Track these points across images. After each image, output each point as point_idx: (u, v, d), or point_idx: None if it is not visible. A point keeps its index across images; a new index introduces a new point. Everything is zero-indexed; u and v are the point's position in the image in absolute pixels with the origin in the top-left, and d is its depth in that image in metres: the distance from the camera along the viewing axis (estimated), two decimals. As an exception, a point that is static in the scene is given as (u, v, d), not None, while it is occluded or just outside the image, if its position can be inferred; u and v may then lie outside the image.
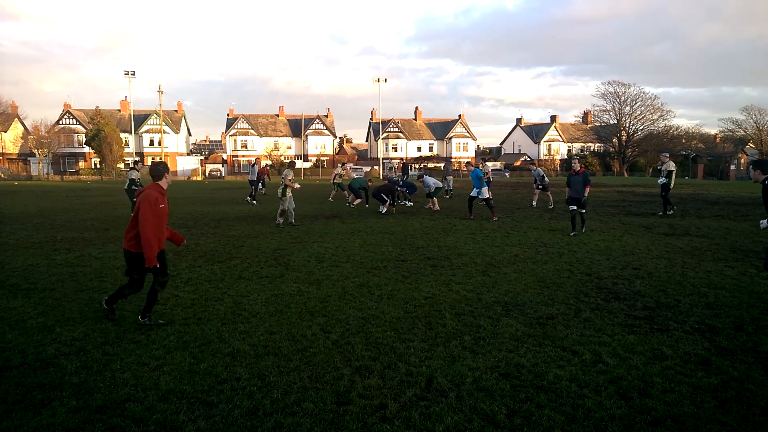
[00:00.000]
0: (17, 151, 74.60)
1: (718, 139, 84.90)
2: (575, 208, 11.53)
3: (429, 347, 4.73)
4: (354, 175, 21.27)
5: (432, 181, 18.03)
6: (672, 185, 15.36)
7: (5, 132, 73.04)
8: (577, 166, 11.82)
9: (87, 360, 4.46)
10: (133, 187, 15.66)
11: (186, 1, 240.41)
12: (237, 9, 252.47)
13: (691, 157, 74.10)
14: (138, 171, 16.26)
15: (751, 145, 74.32)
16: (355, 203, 19.34)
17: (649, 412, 3.52)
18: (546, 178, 19.42)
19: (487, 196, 14.73)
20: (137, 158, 20.99)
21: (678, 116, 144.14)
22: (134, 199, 15.14)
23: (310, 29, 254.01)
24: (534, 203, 19.18)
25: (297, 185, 13.64)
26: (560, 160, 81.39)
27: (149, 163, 6.12)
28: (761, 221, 6.15)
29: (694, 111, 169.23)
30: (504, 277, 7.50)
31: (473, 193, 14.79)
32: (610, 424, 3.38)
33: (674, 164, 15.73)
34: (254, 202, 21.07)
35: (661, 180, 15.42)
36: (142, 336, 5.03)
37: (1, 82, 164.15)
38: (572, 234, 11.46)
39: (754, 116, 74.39)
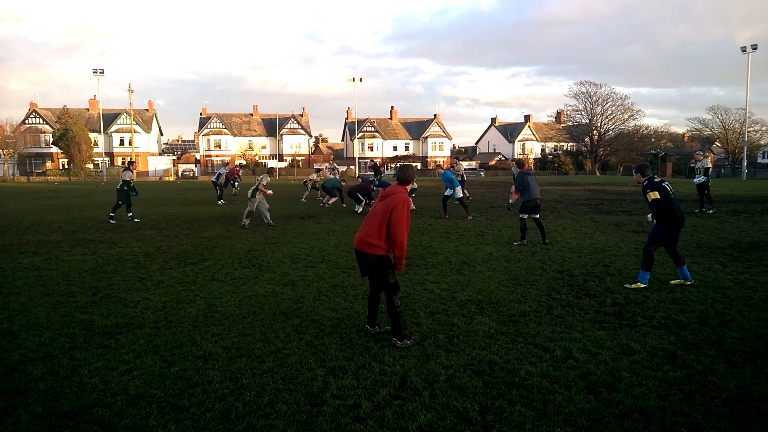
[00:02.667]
0: (-20, 152, 71.94)
1: (686, 138, 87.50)
2: (537, 216, 10.49)
3: (403, 346, 4.74)
4: (330, 175, 21.20)
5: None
6: (710, 182, 15.28)
7: (-33, 131, 70.40)
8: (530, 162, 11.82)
9: (54, 365, 4.34)
10: (125, 188, 14.72)
11: (159, 6, 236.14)
12: (211, 6, 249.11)
13: (660, 156, 76.12)
14: (132, 172, 15.30)
15: (718, 144, 76.78)
16: (330, 202, 19.28)
17: (616, 405, 3.61)
18: None
19: (461, 195, 14.86)
20: (132, 159, 20.13)
21: (648, 116, 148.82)
22: (120, 201, 14.58)
23: (285, 28, 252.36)
24: (510, 203, 19.42)
25: (270, 192, 13.58)
26: (534, 159, 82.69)
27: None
28: (647, 216, 7.04)
29: (663, 110, 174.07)
30: (478, 275, 7.58)
31: (447, 192, 14.90)
32: (580, 418, 3.45)
33: (710, 161, 15.68)
34: (220, 202, 20.98)
35: (697, 179, 15.33)
36: (111, 340, 4.92)
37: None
38: (519, 243, 10.19)
39: (720, 116, 76.95)
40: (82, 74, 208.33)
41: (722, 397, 3.72)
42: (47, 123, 71.73)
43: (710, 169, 15.36)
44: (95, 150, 68.70)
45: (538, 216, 10.58)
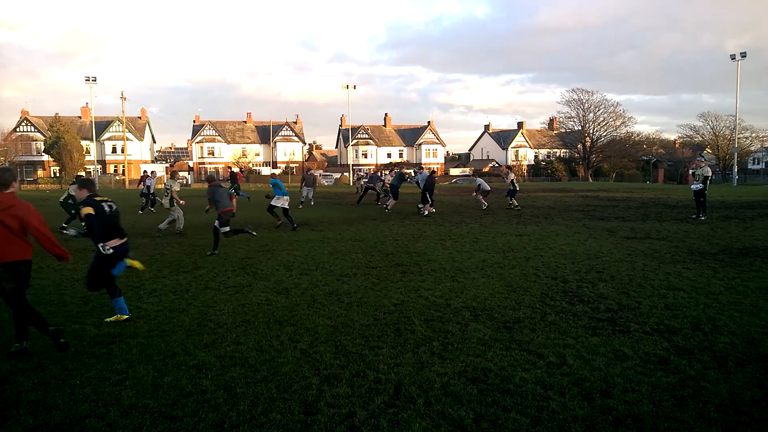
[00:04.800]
0: (-29, 159, 71.41)
1: (677, 145, 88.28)
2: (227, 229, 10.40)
3: (398, 354, 4.75)
4: (324, 182, 21.58)
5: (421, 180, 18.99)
6: (707, 190, 15.27)
7: (-42, 139, 69.87)
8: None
9: (45, 376, 4.30)
10: (69, 201, 14.02)
11: (154, 6, 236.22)
12: (206, 14, 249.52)
13: (652, 162, 76.73)
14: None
15: (708, 150, 77.53)
16: (389, 205, 19.69)
17: (610, 412, 3.62)
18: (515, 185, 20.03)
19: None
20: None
21: (640, 122, 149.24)
22: (73, 211, 13.32)
23: (280, 35, 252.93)
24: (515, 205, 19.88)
25: (183, 201, 14.18)
26: (527, 165, 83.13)
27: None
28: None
29: (655, 117, 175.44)
30: (472, 282, 7.59)
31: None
32: (573, 424, 3.46)
33: (710, 170, 15.50)
34: (141, 212, 19.88)
35: (695, 186, 15.33)
36: (103, 350, 4.88)
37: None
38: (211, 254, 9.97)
39: (710, 122, 77.76)
40: (76, 82, 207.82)
41: (714, 402, 3.74)
42: (39, 131, 71.32)
43: (710, 178, 15.38)
44: (87, 158, 68.32)
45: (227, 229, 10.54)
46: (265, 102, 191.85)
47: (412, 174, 22.74)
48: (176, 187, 13.92)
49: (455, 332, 5.33)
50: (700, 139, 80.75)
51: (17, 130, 70.74)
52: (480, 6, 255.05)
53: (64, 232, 12.90)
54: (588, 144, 77.00)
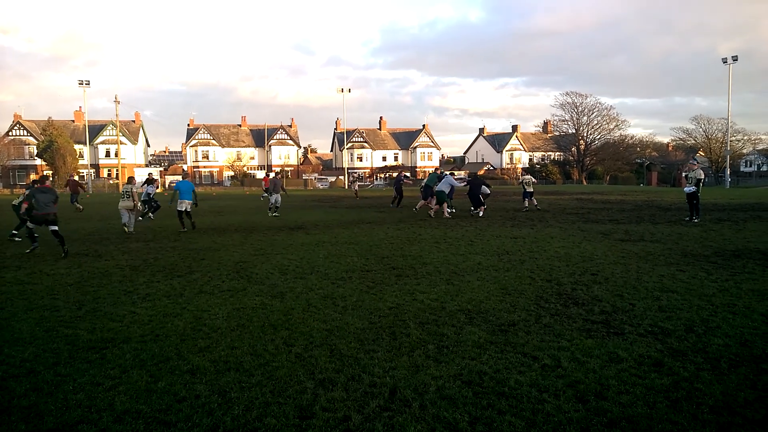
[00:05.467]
0: (-37, 164, 70.91)
1: (670, 148, 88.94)
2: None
3: (393, 357, 4.74)
4: (319, 186, 21.62)
5: (451, 183, 18.46)
6: (700, 193, 15.37)
7: (-50, 143, 69.35)
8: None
9: (37, 382, 4.26)
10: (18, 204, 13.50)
11: (149, 10, 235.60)
12: (202, 18, 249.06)
13: (645, 165, 77.20)
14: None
15: (701, 153, 78.09)
16: (443, 211, 18.20)
17: (605, 414, 3.63)
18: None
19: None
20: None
21: (633, 126, 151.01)
22: (26, 217, 12.71)
23: (275, 39, 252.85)
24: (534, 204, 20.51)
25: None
26: (522, 168, 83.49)
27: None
28: None
29: (648, 120, 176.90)
30: (467, 285, 7.60)
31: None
32: (568, 427, 3.46)
33: (703, 172, 15.55)
34: (140, 218, 18.74)
35: (688, 189, 15.40)
36: (96, 355, 4.85)
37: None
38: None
39: (703, 125, 78.42)
40: (70, 85, 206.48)
41: (708, 403, 3.76)
42: (32, 135, 70.92)
43: (703, 180, 15.47)
44: (81, 162, 68.03)
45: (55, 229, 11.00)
46: (260, 105, 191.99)
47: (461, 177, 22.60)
48: (150, 191, 16.20)
49: (450, 335, 5.33)
50: (693, 142, 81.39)
51: (9, 134, 70.32)
52: (474, 10, 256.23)
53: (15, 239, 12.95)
54: (582, 147, 77.40)
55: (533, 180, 21.22)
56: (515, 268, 8.79)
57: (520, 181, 21.65)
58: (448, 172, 21.66)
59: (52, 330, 5.59)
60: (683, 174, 18.67)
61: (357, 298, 6.91)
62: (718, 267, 8.61)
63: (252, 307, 6.52)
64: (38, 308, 6.53)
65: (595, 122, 76.61)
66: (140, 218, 19.46)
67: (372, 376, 4.32)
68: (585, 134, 77.38)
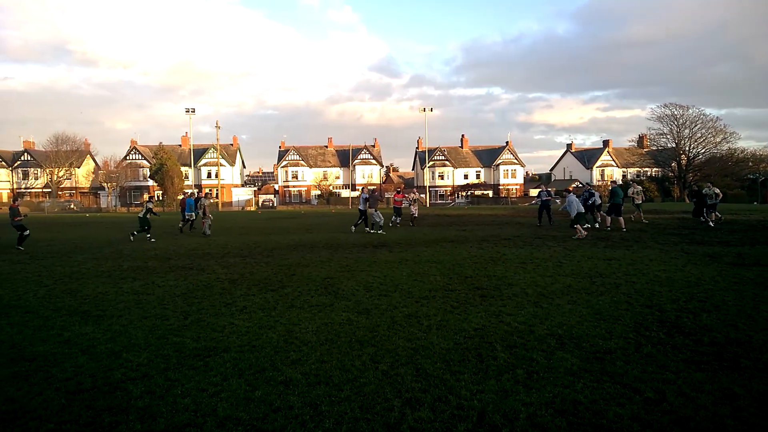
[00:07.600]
0: (89, 185, 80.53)
1: (789, 162, 79.59)
2: None
3: (480, 380, 4.65)
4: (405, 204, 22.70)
5: (575, 203, 17.12)
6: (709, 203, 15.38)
7: (78, 168, 78.96)
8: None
9: (151, 385, 4.67)
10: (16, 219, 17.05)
11: (246, 42, 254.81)
12: (291, 47, 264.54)
13: (759, 181, 69.79)
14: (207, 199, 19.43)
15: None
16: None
17: (719, 456, 3.30)
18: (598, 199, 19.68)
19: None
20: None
21: (744, 138, 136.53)
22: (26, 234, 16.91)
23: (359, 62, 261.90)
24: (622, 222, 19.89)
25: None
26: (630, 179, 78.91)
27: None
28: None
29: (762, 132, 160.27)
30: (557, 308, 7.28)
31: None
32: (677, 467, 3.19)
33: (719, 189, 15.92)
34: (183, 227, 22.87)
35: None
36: (201, 363, 5.23)
37: (78, 123, 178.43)
38: None
39: (828, 136, 69.58)
40: (177, 113, 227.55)
41: None
42: (145, 158, 78.74)
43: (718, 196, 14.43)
44: (186, 182, 74.27)
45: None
46: (345, 127, 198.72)
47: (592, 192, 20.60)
48: (206, 203, 21.22)
49: (540, 360, 5.13)
50: (818, 154, 72.34)
51: (127, 158, 78.57)
52: (562, 23, 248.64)
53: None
54: (684, 162, 71.68)
55: (640, 189, 20.41)
56: (610, 292, 8.29)
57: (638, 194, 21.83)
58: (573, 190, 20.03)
59: (162, 337, 6.11)
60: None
61: (441, 317, 6.87)
62: None
63: (339, 322, 6.70)
64: (151, 317, 7.18)
65: (699, 135, 70.82)
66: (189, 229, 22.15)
67: (459, 398, 4.27)
68: (687, 148, 71.68)
